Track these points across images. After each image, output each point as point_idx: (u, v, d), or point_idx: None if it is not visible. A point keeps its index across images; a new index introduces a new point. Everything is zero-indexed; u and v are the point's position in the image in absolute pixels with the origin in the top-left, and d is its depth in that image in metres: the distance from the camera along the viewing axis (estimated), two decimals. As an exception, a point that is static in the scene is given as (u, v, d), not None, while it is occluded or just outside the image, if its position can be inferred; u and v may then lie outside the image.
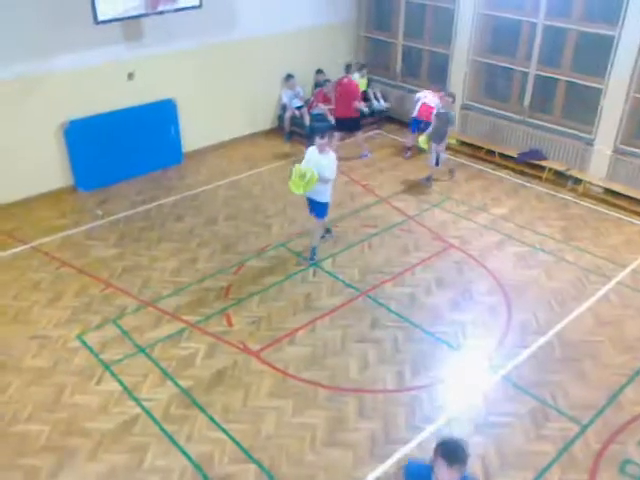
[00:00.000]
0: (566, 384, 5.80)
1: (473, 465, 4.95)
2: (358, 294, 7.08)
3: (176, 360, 6.05)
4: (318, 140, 7.22)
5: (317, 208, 7.55)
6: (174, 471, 4.90)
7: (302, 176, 7.08)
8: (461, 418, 5.44)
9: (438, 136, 9.46)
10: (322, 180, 7.17)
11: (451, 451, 3.32)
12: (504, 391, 5.74)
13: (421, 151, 10.72)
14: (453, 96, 9.69)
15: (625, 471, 4.93)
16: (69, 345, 6.25)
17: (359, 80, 11.59)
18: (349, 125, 10.54)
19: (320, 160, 7.20)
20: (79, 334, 6.40)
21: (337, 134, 10.56)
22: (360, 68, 11.78)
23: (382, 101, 11.96)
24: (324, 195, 7.43)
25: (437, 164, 9.73)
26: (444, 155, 9.85)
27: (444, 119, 9.37)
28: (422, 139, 9.67)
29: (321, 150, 7.24)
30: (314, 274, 7.46)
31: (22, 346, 6.23)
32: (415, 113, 10.54)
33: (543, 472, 4.91)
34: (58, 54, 8.56)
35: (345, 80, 10.46)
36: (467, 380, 5.93)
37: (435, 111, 9.64)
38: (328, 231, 8.18)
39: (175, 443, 5.15)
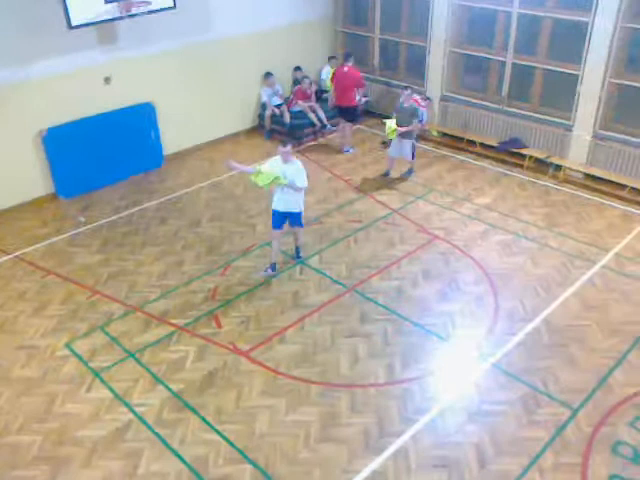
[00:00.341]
0: (555, 369, 5.85)
1: (468, 453, 4.99)
2: (346, 290, 7.09)
3: (166, 364, 6.02)
4: (281, 149, 6.82)
5: (294, 219, 7.30)
6: (169, 475, 4.89)
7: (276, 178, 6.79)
8: (453, 408, 5.47)
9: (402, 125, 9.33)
10: (293, 188, 6.91)
11: None
12: (495, 379, 5.78)
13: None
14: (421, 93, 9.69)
15: (617, 452, 4.99)
16: (57, 354, 6.20)
17: (330, 72, 11.74)
18: (348, 114, 10.58)
19: (286, 170, 6.85)
20: (67, 342, 6.34)
21: (348, 125, 10.64)
22: (329, 59, 11.93)
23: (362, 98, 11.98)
24: (298, 204, 7.17)
25: (413, 157, 9.73)
26: (415, 143, 9.78)
27: (408, 112, 9.31)
28: (389, 122, 9.40)
29: (286, 159, 6.86)
30: (301, 272, 7.46)
31: (10, 357, 6.17)
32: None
33: (537, 457, 4.96)
34: (33, 61, 8.46)
35: (345, 69, 10.44)
36: (458, 370, 5.96)
37: (401, 105, 9.45)
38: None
39: (169, 447, 5.13)
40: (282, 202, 7.07)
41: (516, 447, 5.06)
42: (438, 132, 11.05)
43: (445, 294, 6.99)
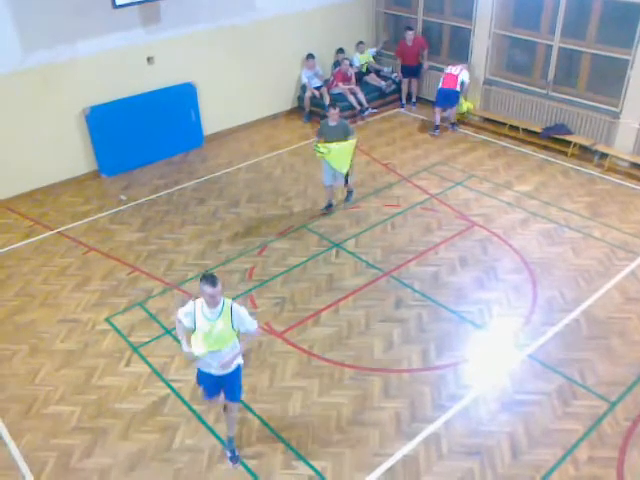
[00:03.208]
0: (594, 362, 5.74)
1: (501, 443, 4.96)
2: (381, 274, 7.06)
3: (202, 342, 6.11)
4: (208, 290, 4.25)
5: (229, 385, 4.74)
6: (204, 450, 4.99)
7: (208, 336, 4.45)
8: (488, 397, 5.42)
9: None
10: (245, 341, 4.84)
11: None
12: (531, 369, 5.70)
13: (444, 128, 10.69)
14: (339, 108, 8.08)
15: (655, 448, 4.89)
16: (98, 328, 6.36)
17: (360, 58, 11.75)
18: (414, 71, 11.54)
19: (217, 323, 4.42)
20: (107, 317, 6.50)
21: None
22: (358, 45, 11.82)
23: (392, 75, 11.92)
24: (235, 354, 4.61)
25: (346, 182, 8.38)
26: (353, 176, 8.54)
27: (340, 129, 7.89)
28: (320, 144, 7.96)
29: (215, 303, 4.38)
30: (337, 255, 7.46)
31: (52, 329, 6.36)
32: (440, 84, 10.46)
33: (572, 449, 4.89)
34: (78, 41, 8.60)
35: (417, 35, 11.41)
36: (493, 359, 5.90)
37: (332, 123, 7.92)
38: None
39: (204, 423, 5.23)
40: (218, 365, 4.58)
41: (550, 438, 5.00)
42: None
43: (482, 282, 6.90)
